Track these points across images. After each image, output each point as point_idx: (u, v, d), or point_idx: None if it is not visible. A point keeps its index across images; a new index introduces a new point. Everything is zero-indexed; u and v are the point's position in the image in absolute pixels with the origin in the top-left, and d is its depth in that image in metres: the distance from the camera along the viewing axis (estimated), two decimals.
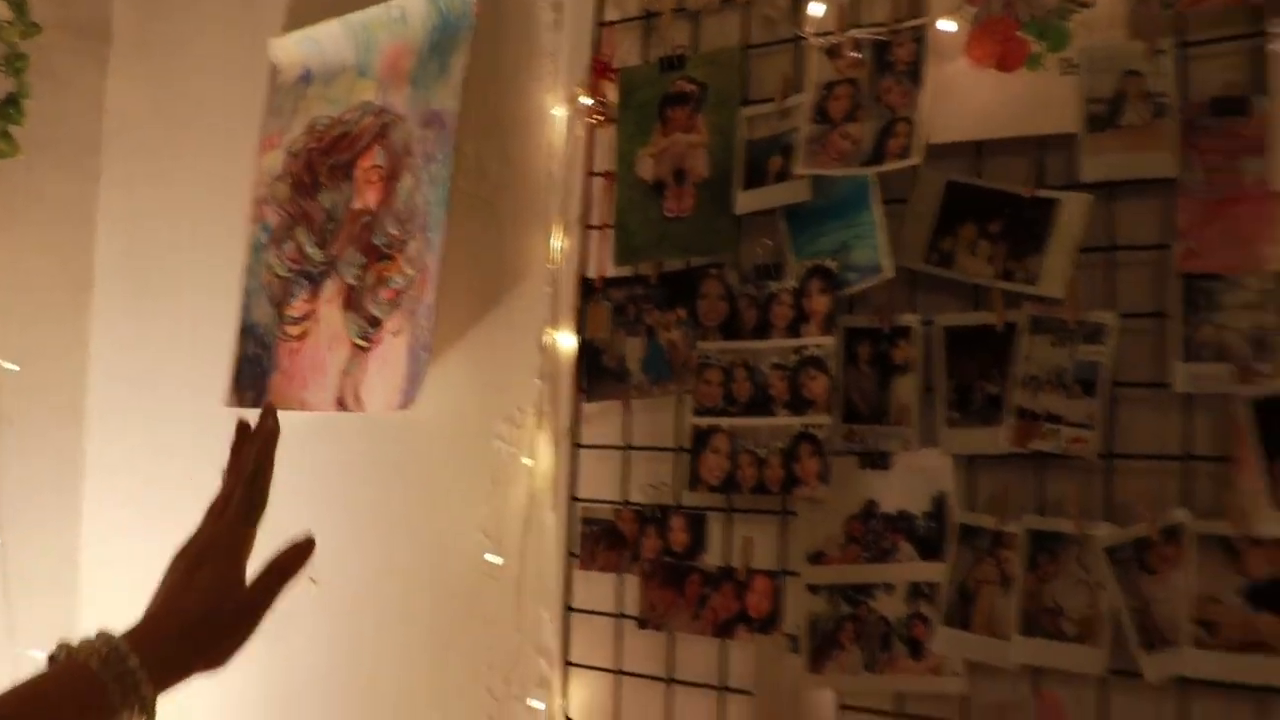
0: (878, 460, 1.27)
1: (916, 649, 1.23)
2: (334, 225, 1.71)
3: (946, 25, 1.27)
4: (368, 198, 1.68)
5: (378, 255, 1.65)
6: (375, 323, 1.65)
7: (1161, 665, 1.13)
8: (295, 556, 1.16)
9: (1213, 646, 1.11)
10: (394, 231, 1.64)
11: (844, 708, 1.29)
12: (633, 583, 1.42)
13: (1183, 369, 1.14)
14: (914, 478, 1.25)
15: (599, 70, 1.50)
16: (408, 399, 1.58)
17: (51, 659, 0.98)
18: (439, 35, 1.62)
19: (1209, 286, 1.14)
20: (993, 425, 1.21)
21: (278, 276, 1.77)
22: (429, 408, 1.59)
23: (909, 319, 1.27)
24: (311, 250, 1.73)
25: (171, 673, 0.98)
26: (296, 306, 1.73)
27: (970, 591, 1.21)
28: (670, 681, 1.41)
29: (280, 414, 1.01)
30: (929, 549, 1.24)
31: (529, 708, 1.52)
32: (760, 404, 1.31)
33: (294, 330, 1.73)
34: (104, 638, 0.98)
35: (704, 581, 1.35)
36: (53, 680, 0.96)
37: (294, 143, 1.78)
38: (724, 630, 1.34)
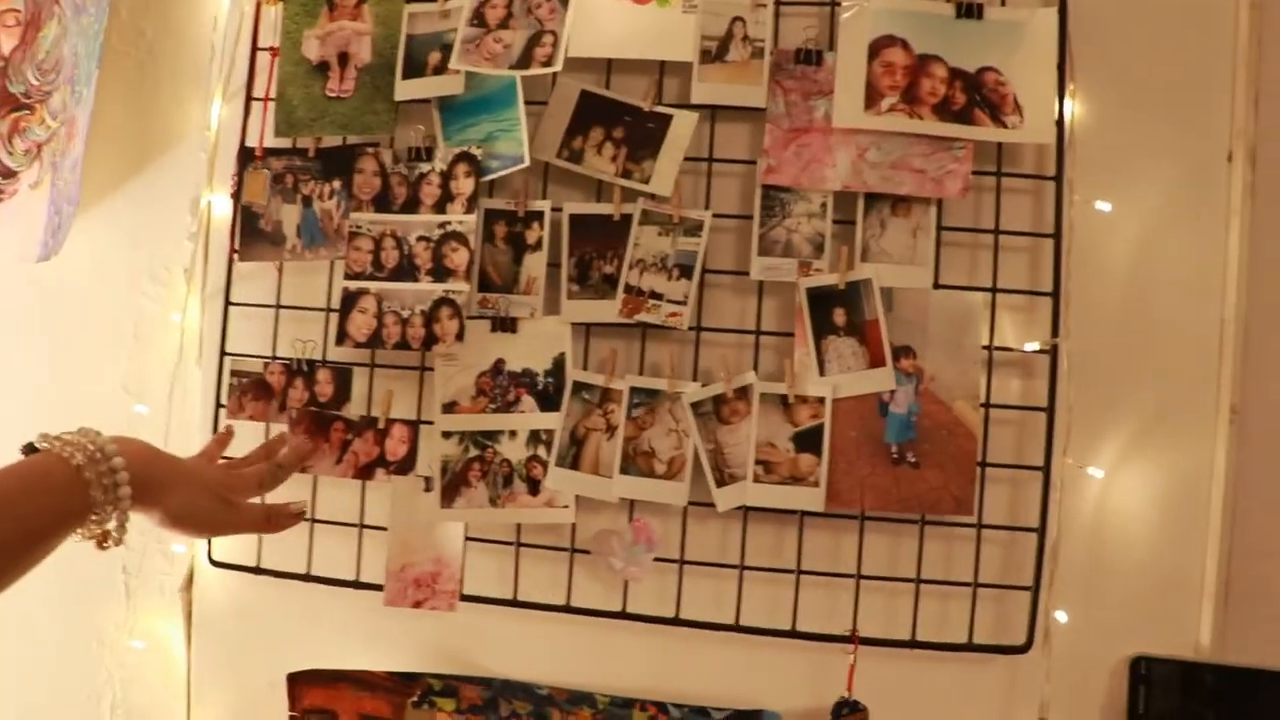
0: (507, 325, 1.45)
1: (534, 486, 1.44)
2: None
3: None
4: (2, 43, 1.64)
5: (14, 104, 1.62)
6: (9, 174, 1.62)
7: (729, 498, 1.40)
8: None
9: (767, 481, 1.40)
10: (34, 81, 1.62)
11: (470, 539, 1.48)
12: (279, 431, 1.50)
13: (759, 261, 1.41)
14: (538, 341, 1.44)
15: None
16: (48, 251, 1.58)
17: (28, 449, 0.93)
18: None
19: (782, 197, 1.42)
20: (606, 299, 1.43)
21: None
22: (73, 262, 1.60)
23: (541, 205, 1.45)
24: None
25: (148, 494, 0.97)
26: None
27: (580, 438, 1.43)
28: (314, 521, 1.53)
29: None
30: (547, 402, 1.44)
31: (172, 553, 1.60)
32: (406, 271, 1.45)
33: None
34: (88, 433, 0.94)
35: (347, 429, 1.48)
36: (23, 471, 0.89)
37: None
38: (364, 473, 1.48)
